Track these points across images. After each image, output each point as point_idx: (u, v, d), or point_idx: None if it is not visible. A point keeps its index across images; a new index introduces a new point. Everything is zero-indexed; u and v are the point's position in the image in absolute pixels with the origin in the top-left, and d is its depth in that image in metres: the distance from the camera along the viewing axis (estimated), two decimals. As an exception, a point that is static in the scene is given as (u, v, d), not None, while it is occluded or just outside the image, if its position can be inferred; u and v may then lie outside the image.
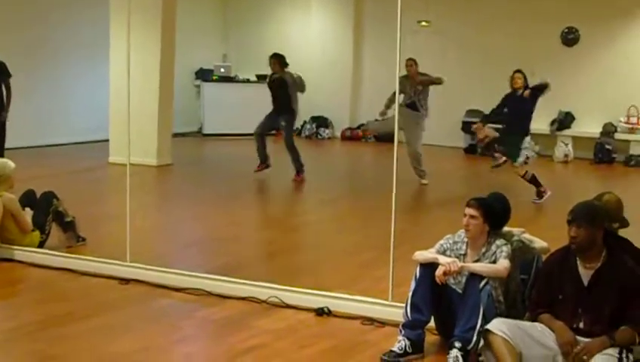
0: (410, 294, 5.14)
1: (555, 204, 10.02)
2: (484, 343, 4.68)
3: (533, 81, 10.78)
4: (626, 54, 15.07)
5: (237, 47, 18.78)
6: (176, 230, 9.09)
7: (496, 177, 11.51)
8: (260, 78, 16.21)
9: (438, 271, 5.05)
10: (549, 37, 15.51)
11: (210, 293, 6.32)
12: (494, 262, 5.05)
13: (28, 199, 7.74)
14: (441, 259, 5.12)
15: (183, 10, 14.43)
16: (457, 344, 4.86)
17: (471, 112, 15.53)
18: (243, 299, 6.18)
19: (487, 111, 11.75)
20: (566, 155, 15.16)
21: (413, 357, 5.06)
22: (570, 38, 15.53)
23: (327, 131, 18.03)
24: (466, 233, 5.21)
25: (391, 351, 5.06)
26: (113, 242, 7.58)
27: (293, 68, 12.23)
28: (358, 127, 17.81)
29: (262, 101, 12.62)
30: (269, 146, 12.37)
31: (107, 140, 13.39)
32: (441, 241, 5.35)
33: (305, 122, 18.09)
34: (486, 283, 4.93)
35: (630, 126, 14.88)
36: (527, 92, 10.63)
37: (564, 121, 15.49)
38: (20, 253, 7.29)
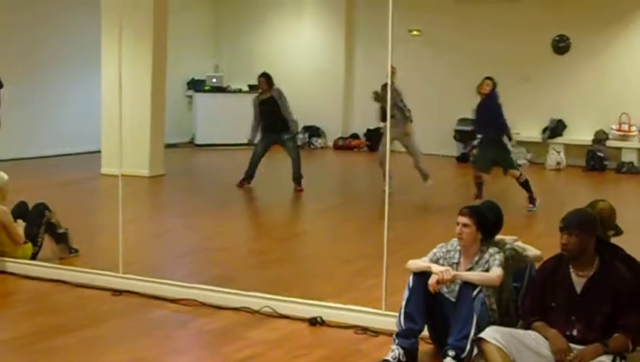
0: (404, 303, 5.14)
1: (547, 212, 10.03)
2: (478, 351, 4.68)
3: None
4: (617, 62, 15.13)
5: (229, 58, 18.79)
6: (169, 241, 9.08)
7: (489, 186, 11.51)
8: (252, 88, 16.17)
9: (432, 280, 5.05)
10: (540, 45, 15.57)
11: (203, 304, 6.31)
12: (487, 270, 5.06)
13: (20, 211, 7.71)
14: (434, 267, 5.13)
15: (175, 20, 14.44)
16: (451, 352, 4.87)
17: (463, 121, 15.55)
18: (236, 309, 6.17)
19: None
20: (558, 163, 15.20)
21: (407, 366, 5.06)
22: (561, 46, 15.58)
23: (319, 141, 18.03)
24: (459, 241, 5.21)
25: (385, 360, 5.05)
26: (106, 253, 7.56)
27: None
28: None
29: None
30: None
31: (99, 151, 13.37)
32: (434, 250, 5.35)
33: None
34: (479, 292, 4.93)
35: (622, 133, 14.93)
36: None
37: (556, 128, 15.54)
38: (13, 265, 7.27)
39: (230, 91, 17.91)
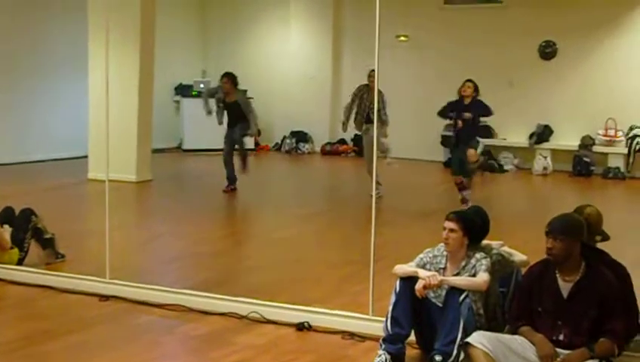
0: (391, 308, 5.15)
1: (533, 217, 10.02)
2: (465, 356, 4.70)
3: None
4: (604, 68, 15.19)
5: (216, 63, 18.72)
6: (156, 246, 9.06)
7: (476, 191, 11.54)
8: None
9: (418, 285, 5.06)
10: (526, 51, 15.63)
11: (190, 309, 6.30)
12: (474, 275, 5.07)
13: (6, 216, 7.69)
14: (421, 272, 5.13)
15: (162, 25, 14.42)
16: (438, 357, 4.87)
17: (450, 126, 15.55)
18: (224, 314, 6.17)
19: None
20: (545, 168, 15.24)
21: (394, 371, 5.07)
22: (547, 51, 15.64)
23: (306, 146, 18.02)
24: (446, 246, 5.22)
25: (372, 365, 5.06)
26: (93, 259, 7.54)
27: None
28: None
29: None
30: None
31: (86, 156, 13.35)
32: (421, 255, 5.36)
33: (285, 137, 18.11)
34: (466, 297, 4.94)
35: (608, 138, 14.98)
36: (467, 115, 10.79)
37: (543, 134, 15.59)
38: (-1, 271, 7.25)
39: (218, 96, 17.87)
